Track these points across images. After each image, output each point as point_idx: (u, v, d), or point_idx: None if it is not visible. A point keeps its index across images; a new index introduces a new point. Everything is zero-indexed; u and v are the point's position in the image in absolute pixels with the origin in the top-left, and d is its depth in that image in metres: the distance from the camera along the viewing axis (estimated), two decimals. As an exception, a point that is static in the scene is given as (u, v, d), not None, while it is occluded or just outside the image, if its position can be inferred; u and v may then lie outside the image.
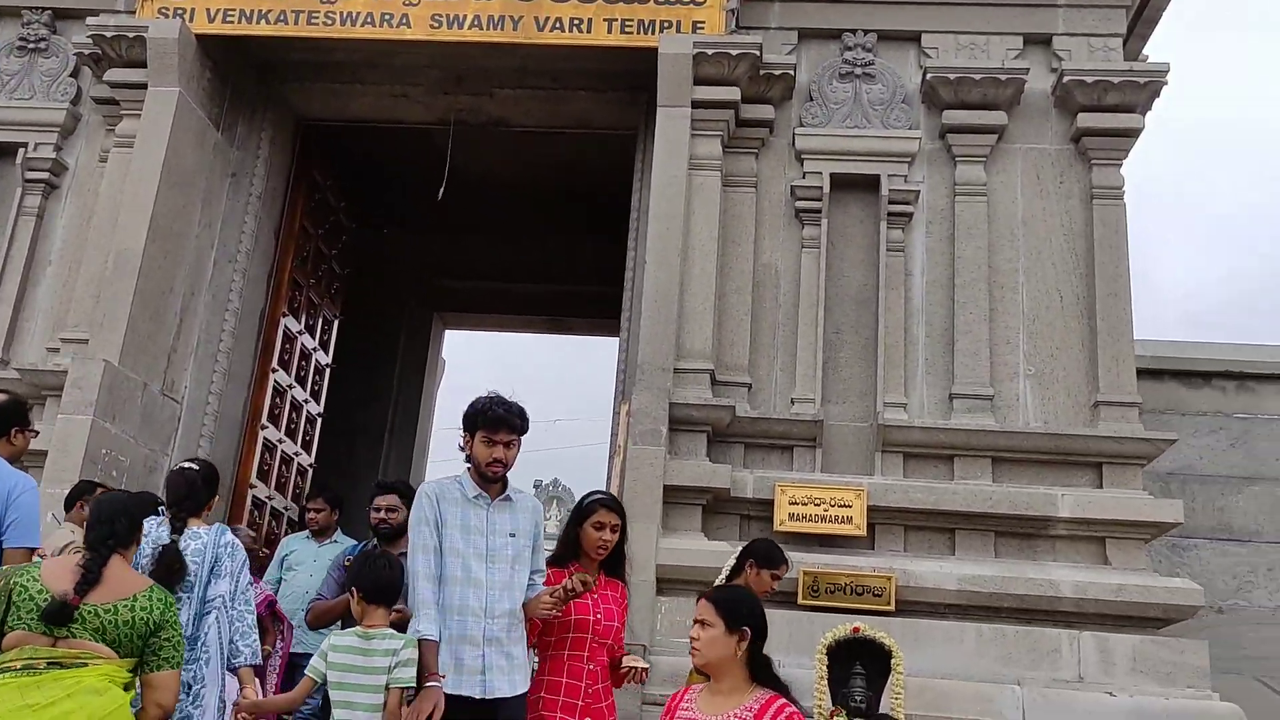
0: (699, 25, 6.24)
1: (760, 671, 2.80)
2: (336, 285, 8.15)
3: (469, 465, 3.55)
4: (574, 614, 3.59)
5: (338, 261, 8.11)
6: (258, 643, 3.88)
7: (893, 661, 4.69)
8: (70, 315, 6.13)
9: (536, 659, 3.70)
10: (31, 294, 6.32)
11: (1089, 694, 5.12)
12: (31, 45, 6.62)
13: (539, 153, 8.64)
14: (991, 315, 5.96)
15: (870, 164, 6.19)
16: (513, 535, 3.51)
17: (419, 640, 3.35)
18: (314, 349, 7.71)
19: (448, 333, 10.49)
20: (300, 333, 7.39)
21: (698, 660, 2.85)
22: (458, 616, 3.36)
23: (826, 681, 4.53)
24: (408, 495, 4.37)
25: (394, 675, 3.37)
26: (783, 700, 2.73)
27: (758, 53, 6.11)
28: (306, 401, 7.61)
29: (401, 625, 3.54)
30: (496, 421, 3.45)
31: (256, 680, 3.87)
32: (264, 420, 6.83)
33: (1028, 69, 6.18)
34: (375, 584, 3.57)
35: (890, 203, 6.10)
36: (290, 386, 7.26)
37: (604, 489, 3.99)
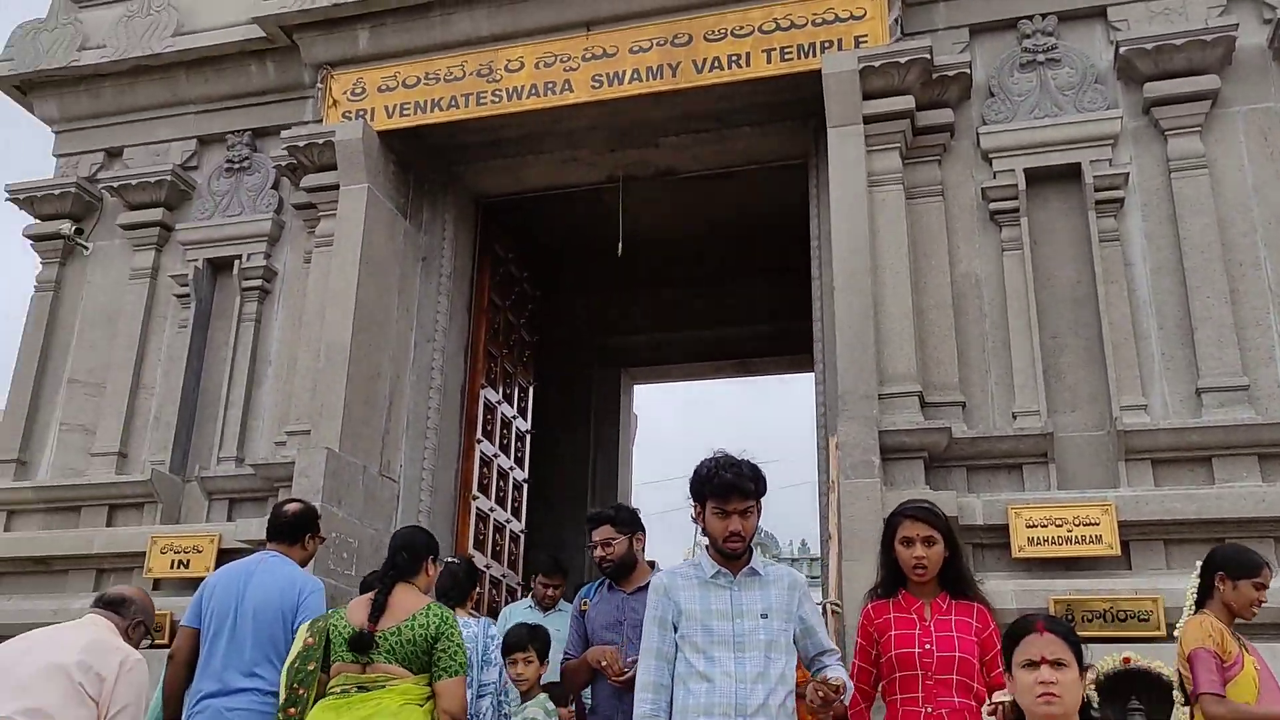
0: (861, 39, 5.97)
1: (1084, 714, 2.32)
2: (528, 353, 8.26)
3: (706, 542, 3.09)
4: (894, 649, 3.05)
5: (526, 329, 8.23)
6: None
7: (1175, 694, 4.14)
8: (292, 409, 6.42)
9: None
10: (256, 394, 6.68)
11: None
12: (237, 165, 7.10)
13: (708, 196, 8.54)
14: (1233, 297, 5.30)
15: (1068, 152, 5.69)
16: (764, 616, 2.97)
17: None
18: (513, 416, 7.81)
19: (636, 387, 10.45)
20: (499, 402, 7.51)
21: (1057, 709, 2.30)
22: (703, 718, 2.87)
23: (1101, 721, 4.02)
24: (622, 521, 4.01)
25: None
26: None
27: (928, 56, 5.77)
28: (512, 469, 7.70)
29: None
30: (727, 489, 2.96)
31: None
32: (475, 491, 6.92)
33: (1236, 24, 5.55)
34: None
35: (1096, 190, 5.57)
36: (495, 455, 7.36)
37: (917, 502, 3.40)
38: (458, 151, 7.01)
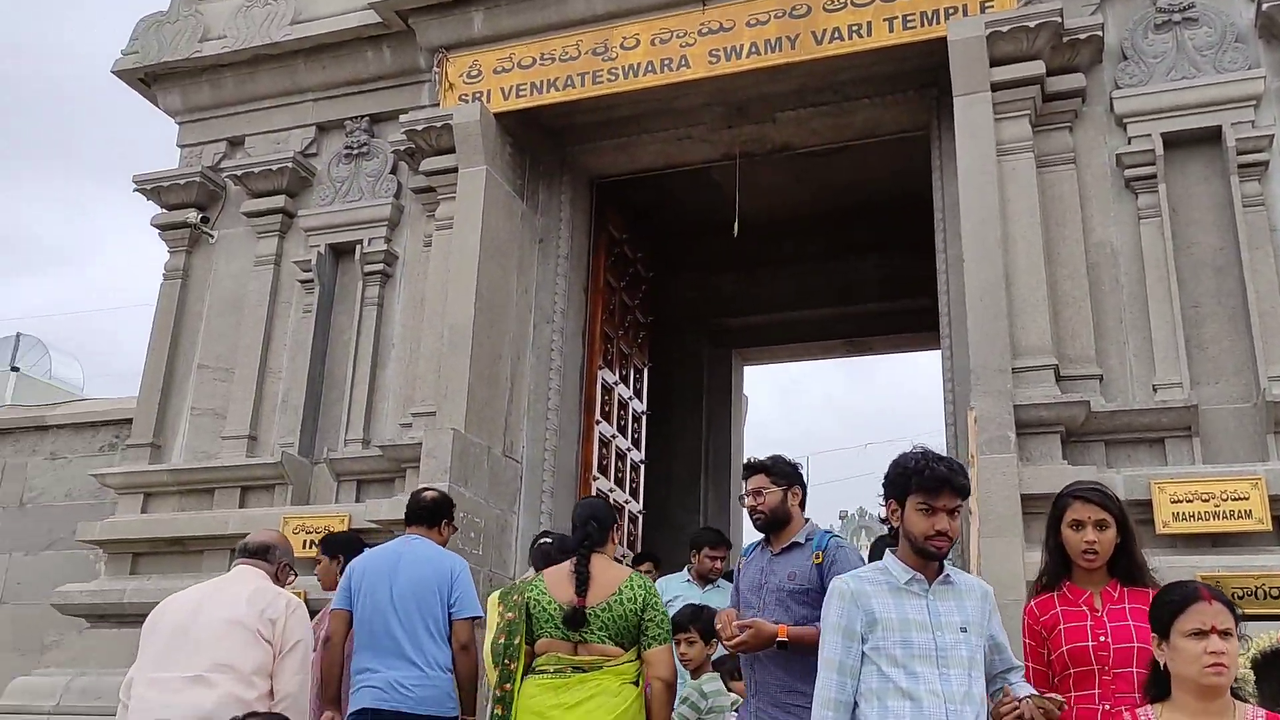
0: (987, 4, 6.19)
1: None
2: (642, 334, 8.68)
3: (890, 546, 3.03)
4: (1065, 644, 3.00)
5: (640, 311, 8.65)
6: None
7: (1342, 673, 4.31)
8: (416, 391, 6.92)
9: None
10: (380, 376, 7.20)
11: None
12: (356, 151, 7.64)
13: (822, 172, 8.82)
14: (1388, 261, 5.41)
15: (1207, 115, 5.84)
16: (964, 630, 2.86)
17: None
18: (629, 398, 8.23)
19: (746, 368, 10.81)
20: (616, 383, 7.94)
21: (1225, 680, 2.41)
22: None
23: (1256, 700, 4.21)
24: (778, 471, 3.84)
25: None
26: None
27: (1058, 19, 5.97)
28: (629, 450, 8.13)
29: None
30: (939, 483, 2.86)
31: None
32: (595, 472, 7.36)
33: (1390, -26, 5.63)
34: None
35: (1239, 154, 5.71)
36: (613, 437, 7.80)
37: (1087, 483, 3.37)
38: (572, 132, 7.42)
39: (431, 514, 4.73)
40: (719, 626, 3.69)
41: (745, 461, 4.14)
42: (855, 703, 2.81)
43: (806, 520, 3.86)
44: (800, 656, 3.48)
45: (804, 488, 3.91)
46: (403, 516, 6.24)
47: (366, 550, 4.80)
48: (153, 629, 3.83)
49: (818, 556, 3.63)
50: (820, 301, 9.87)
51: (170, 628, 3.77)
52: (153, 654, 3.76)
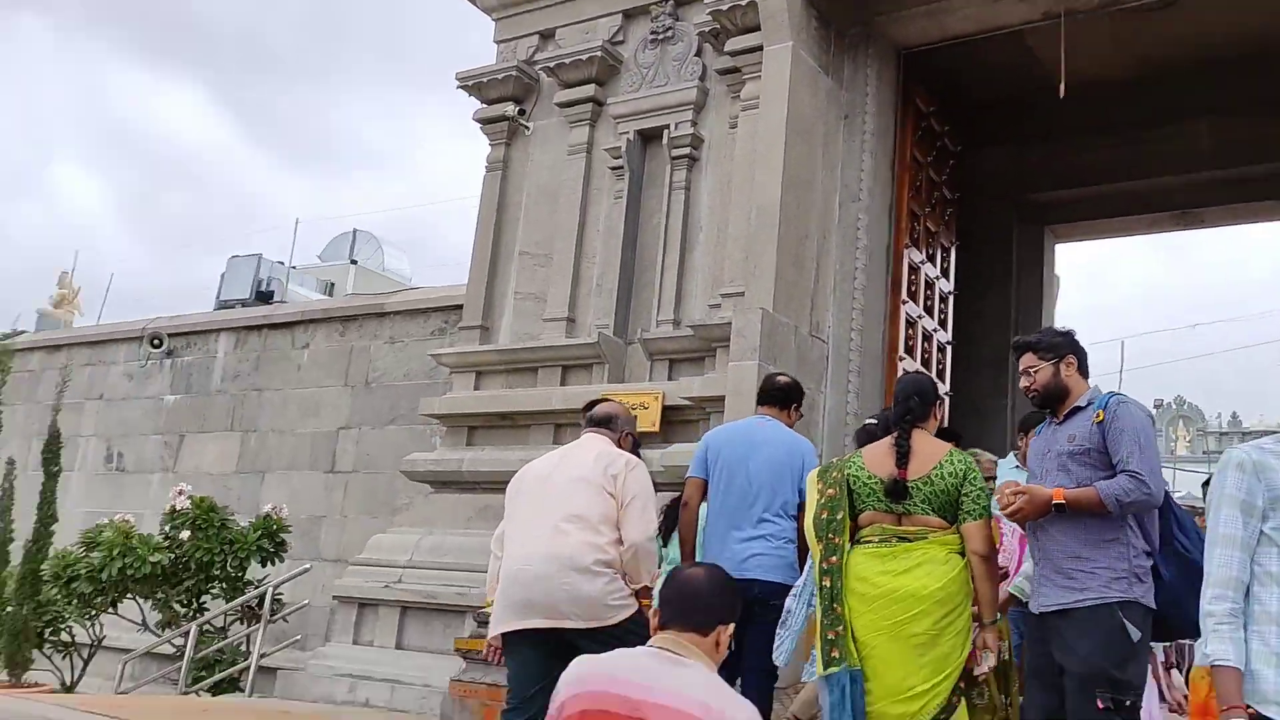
0: None
1: None
2: (949, 211, 8.73)
3: None
4: None
5: (947, 187, 8.68)
6: None
7: None
8: (725, 272, 7.41)
9: None
10: (689, 259, 7.75)
11: None
12: (661, 36, 8.10)
13: (1145, 31, 8.40)
14: None
15: None
16: None
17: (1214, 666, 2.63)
18: (936, 277, 8.37)
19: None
20: (922, 263, 8.09)
21: None
22: None
23: None
24: (1044, 347, 3.94)
25: None
26: None
27: None
28: (935, 331, 8.30)
29: None
30: None
31: None
32: (901, 352, 7.61)
33: None
34: None
35: None
36: (919, 317, 7.99)
37: None
38: (878, 1, 7.49)
39: (785, 396, 5.12)
40: (996, 498, 3.83)
41: (1013, 341, 4.19)
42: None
43: (1090, 386, 3.93)
44: (1083, 522, 3.66)
45: (1079, 354, 3.96)
46: (714, 394, 6.90)
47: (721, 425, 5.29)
48: (516, 492, 4.52)
49: (1098, 415, 3.73)
50: (1144, 171, 9.44)
51: (530, 489, 4.46)
52: (517, 512, 4.46)
